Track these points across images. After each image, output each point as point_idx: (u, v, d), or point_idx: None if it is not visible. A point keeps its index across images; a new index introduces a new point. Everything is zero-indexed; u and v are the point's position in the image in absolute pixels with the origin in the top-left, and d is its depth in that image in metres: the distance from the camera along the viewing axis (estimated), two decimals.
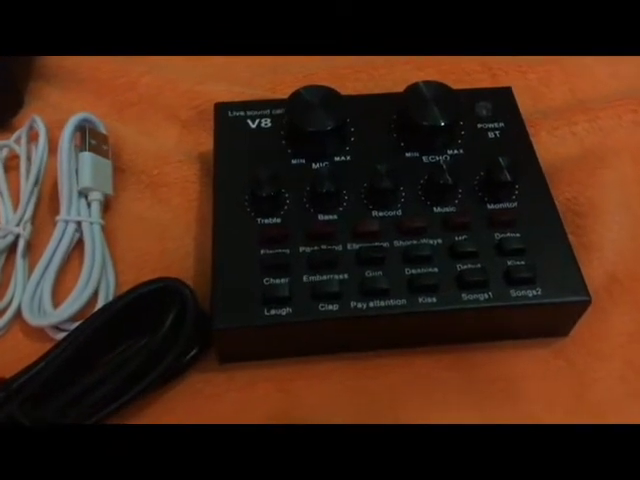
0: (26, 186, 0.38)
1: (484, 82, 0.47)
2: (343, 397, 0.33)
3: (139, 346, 0.31)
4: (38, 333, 0.35)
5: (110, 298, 0.35)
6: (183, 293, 0.31)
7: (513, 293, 0.32)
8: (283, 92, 0.47)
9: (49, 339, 0.34)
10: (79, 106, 0.44)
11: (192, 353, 0.32)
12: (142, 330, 0.32)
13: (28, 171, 0.39)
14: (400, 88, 0.42)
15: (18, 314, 0.35)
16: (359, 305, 0.32)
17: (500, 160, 0.35)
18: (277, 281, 0.32)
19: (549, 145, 0.42)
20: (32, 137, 0.41)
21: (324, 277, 0.33)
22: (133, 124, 0.44)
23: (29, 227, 0.37)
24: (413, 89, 0.38)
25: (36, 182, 0.37)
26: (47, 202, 0.40)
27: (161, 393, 0.33)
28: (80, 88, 0.46)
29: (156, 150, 0.42)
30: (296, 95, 0.37)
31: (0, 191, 0.38)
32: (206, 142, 0.44)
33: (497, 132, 0.39)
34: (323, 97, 0.37)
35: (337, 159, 0.38)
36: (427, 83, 0.37)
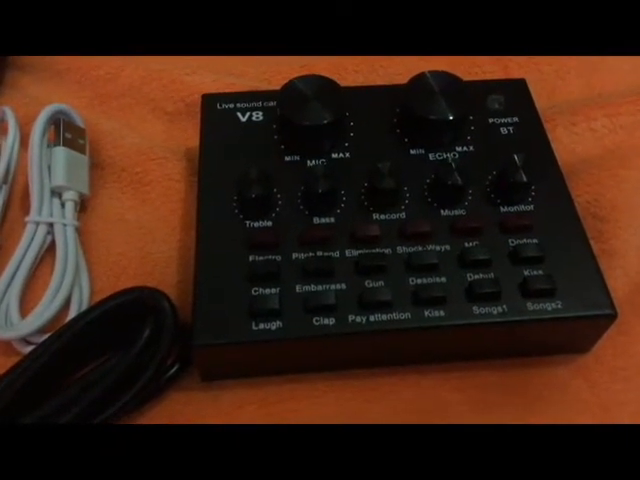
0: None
1: (495, 74, 0.44)
2: (339, 421, 0.30)
3: (111, 364, 0.27)
4: (3, 346, 0.31)
5: (83, 307, 0.32)
6: (161, 304, 0.28)
7: (530, 306, 0.29)
8: (278, 83, 0.43)
9: (16, 353, 0.31)
10: (57, 98, 0.40)
11: (171, 371, 0.29)
12: (116, 345, 0.28)
13: None
14: (403, 81, 0.38)
15: None
16: (358, 319, 0.28)
17: (516, 158, 0.32)
18: (267, 291, 0.29)
19: (566, 142, 0.39)
20: (2, 130, 0.37)
21: (319, 287, 0.29)
22: (115, 118, 0.41)
23: None
24: (418, 80, 0.34)
25: (5, 180, 0.34)
26: (17, 202, 0.37)
27: (136, 415, 0.29)
28: (59, 79, 0.43)
29: (139, 146, 0.39)
30: (289, 86, 0.34)
31: None
32: (194, 137, 0.40)
33: (510, 127, 0.35)
34: (319, 88, 0.34)
35: (334, 156, 0.34)
36: (434, 73, 0.34)
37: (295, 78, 0.34)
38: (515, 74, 0.44)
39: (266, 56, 0.43)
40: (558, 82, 0.43)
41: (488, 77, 0.43)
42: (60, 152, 0.35)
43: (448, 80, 0.34)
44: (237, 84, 0.41)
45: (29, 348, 0.31)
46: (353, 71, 0.43)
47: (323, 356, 0.30)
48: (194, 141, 0.41)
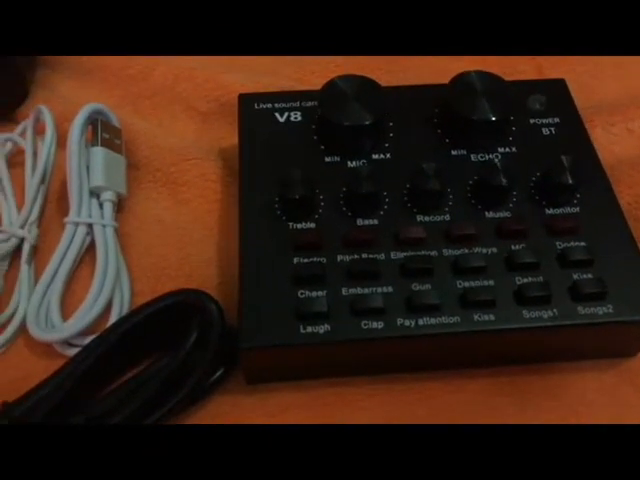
0: (31, 184, 0.35)
1: (529, 74, 0.44)
2: (387, 422, 0.30)
3: (158, 367, 0.27)
4: (45, 348, 0.31)
5: (125, 309, 0.32)
6: (208, 307, 0.27)
7: (581, 310, 0.28)
8: (311, 83, 0.44)
9: (57, 355, 0.31)
10: (88, 97, 0.40)
11: (217, 374, 0.29)
12: (163, 347, 0.28)
13: (34, 167, 0.36)
14: (437, 80, 0.38)
15: (23, 327, 0.31)
16: (407, 323, 0.28)
17: (563, 160, 0.31)
18: (313, 294, 0.29)
19: (605, 143, 0.39)
20: (38, 130, 0.37)
21: (365, 290, 0.29)
22: (148, 117, 0.40)
23: (35, 230, 0.33)
24: (461, 79, 0.34)
25: (43, 180, 0.34)
26: (55, 202, 0.36)
27: (183, 418, 0.29)
28: (89, 78, 0.42)
29: (173, 146, 0.39)
30: (330, 86, 0.34)
31: (4, 189, 0.34)
32: (228, 137, 0.40)
33: (552, 128, 0.35)
34: (360, 88, 0.33)
35: (375, 157, 0.34)
36: (478, 73, 0.34)
37: (336, 77, 0.34)
38: (549, 74, 0.43)
39: (298, 56, 0.43)
40: (593, 82, 0.43)
41: (522, 77, 0.43)
42: (98, 152, 0.34)
43: (491, 80, 0.34)
44: (271, 84, 0.41)
45: (71, 350, 0.31)
46: (386, 71, 0.43)
47: (369, 359, 0.30)
48: (228, 141, 0.41)
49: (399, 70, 0.43)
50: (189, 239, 0.36)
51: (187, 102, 0.41)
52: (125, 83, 0.42)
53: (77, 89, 0.42)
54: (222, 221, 0.36)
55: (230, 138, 0.41)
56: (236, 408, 0.30)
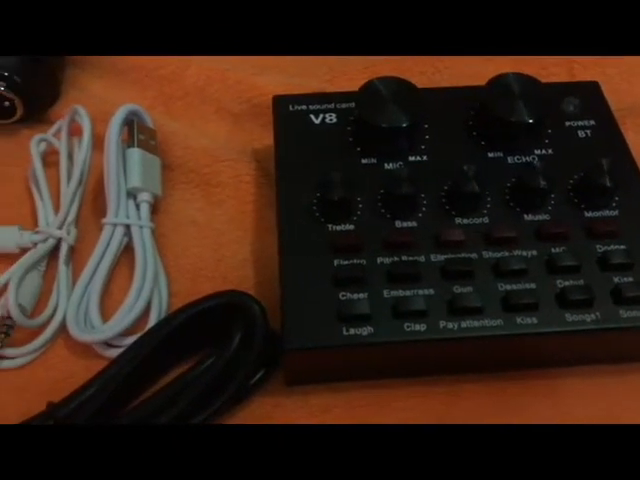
0: (68, 185, 0.35)
1: (560, 76, 0.43)
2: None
3: (203, 368, 0.27)
4: (84, 348, 0.31)
5: (163, 311, 0.32)
6: (252, 309, 0.27)
7: (624, 314, 0.28)
8: (343, 84, 0.44)
9: (96, 355, 0.31)
10: (119, 97, 0.40)
11: (259, 375, 0.29)
12: (204, 349, 0.28)
13: (68, 168, 0.36)
14: (467, 81, 0.38)
15: (61, 327, 0.31)
16: (449, 325, 0.28)
17: (602, 162, 0.31)
18: (355, 296, 0.29)
19: (637, 145, 0.39)
20: (73, 130, 0.37)
21: (407, 292, 0.29)
22: (180, 118, 0.40)
23: (74, 231, 0.33)
24: (499, 81, 0.34)
25: (80, 181, 0.34)
26: (89, 203, 0.37)
27: (226, 418, 0.29)
28: (120, 78, 0.42)
29: (206, 147, 0.39)
30: (367, 87, 0.34)
31: (40, 190, 0.35)
32: (260, 138, 0.40)
33: (587, 131, 0.35)
34: (397, 90, 0.33)
35: (412, 159, 0.34)
36: (515, 75, 0.34)
37: (374, 79, 0.34)
38: (580, 76, 0.43)
39: (329, 56, 0.43)
40: (624, 85, 0.43)
41: (553, 79, 0.43)
42: (135, 153, 0.34)
43: (527, 82, 0.34)
44: (302, 85, 0.41)
45: (110, 350, 0.31)
46: (418, 72, 0.43)
47: (410, 361, 0.30)
48: (260, 142, 0.41)
49: (431, 71, 0.43)
50: (224, 240, 0.36)
51: (219, 103, 0.41)
52: (157, 84, 0.42)
53: (108, 89, 0.42)
54: (256, 222, 0.37)
55: (262, 139, 0.41)
56: (278, 409, 0.30)
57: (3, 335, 0.30)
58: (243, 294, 0.28)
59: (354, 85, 0.42)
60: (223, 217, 0.37)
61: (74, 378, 0.30)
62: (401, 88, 0.34)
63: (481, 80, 0.38)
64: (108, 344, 0.31)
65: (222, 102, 0.41)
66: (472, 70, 0.42)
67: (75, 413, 0.26)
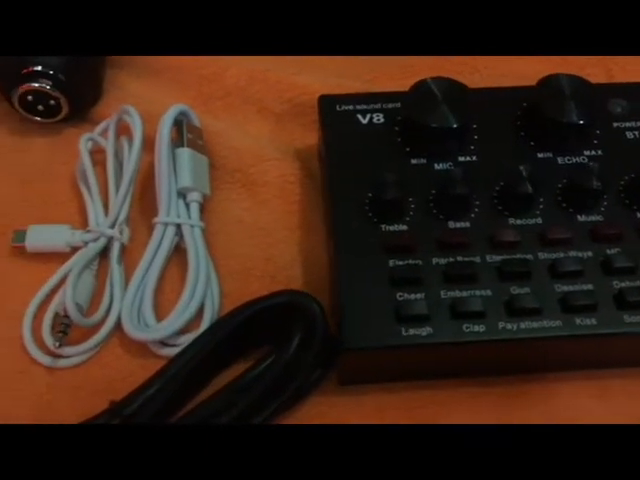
0: (118, 184, 0.35)
1: (598, 77, 0.43)
2: None
3: (262, 368, 0.27)
4: (138, 347, 0.32)
5: (216, 310, 0.32)
6: (312, 309, 0.27)
7: None
8: (382, 85, 0.44)
9: (151, 354, 0.31)
10: (160, 97, 0.40)
11: (316, 375, 0.29)
12: (262, 347, 0.28)
13: (115, 167, 0.36)
14: (506, 82, 0.38)
15: (116, 326, 0.32)
16: (508, 326, 0.28)
17: None
18: (412, 296, 0.29)
19: None
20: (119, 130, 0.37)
21: (464, 293, 0.29)
22: (221, 118, 0.40)
23: (126, 230, 0.33)
24: (549, 82, 0.34)
25: (132, 180, 0.34)
26: (135, 202, 0.36)
27: (282, 419, 0.29)
28: (160, 78, 0.42)
29: (250, 146, 0.39)
30: (418, 87, 0.34)
31: (90, 189, 0.35)
32: (301, 138, 0.40)
33: (636, 132, 0.35)
34: (448, 90, 0.33)
35: (461, 159, 0.34)
36: (566, 75, 0.34)
37: (426, 79, 0.34)
38: (618, 77, 0.43)
39: (368, 56, 0.43)
40: None
41: (591, 80, 0.42)
42: (185, 153, 0.34)
43: (577, 83, 0.34)
44: (343, 85, 0.41)
45: (165, 349, 0.31)
46: (456, 72, 0.42)
47: (467, 362, 0.30)
48: (302, 142, 0.41)
49: (469, 71, 0.43)
50: (271, 240, 0.36)
51: (261, 103, 0.41)
52: (196, 84, 0.42)
53: (147, 89, 0.42)
54: (303, 222, 0.37)
55: (303, 139, 0.41)
56: (332, 409, 0.30)
57: (61, 334, 0.30)
58: (303, 294, 0.28)
59: (394, 85, 0.43)
60: (269, 217, 0.37)
61: (130, 377, 0.30)
62: (451, 88, 0.34)
63: (518, 80, 0.39)
64: (163, 343, 0.31)
65: (264, 102, 0.41)
66: (510, 70, 0.42)
67: (140, 411, 0.26)
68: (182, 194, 0.34)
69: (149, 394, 0.26)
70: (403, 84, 0.42)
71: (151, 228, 0.35)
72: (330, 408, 0.30)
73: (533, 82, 0.36)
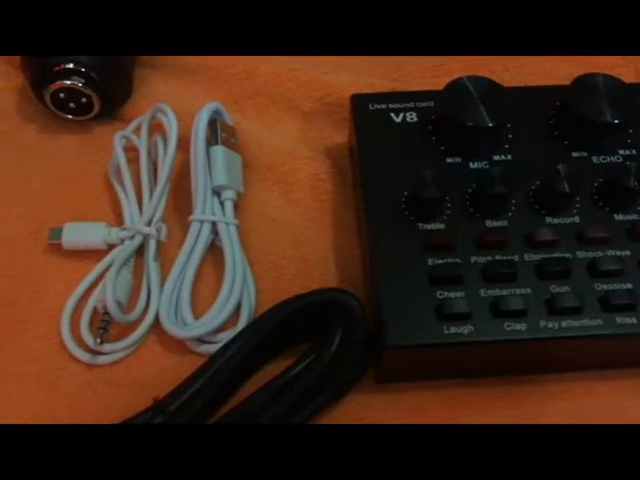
0: (149, 182, 0.35)
1: (628, 77, 0.43)
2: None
3: (303, 366, 0.27)
4: (176, 344, 0.32)
5: (253, 307, 0.32)
6: (354, 308, 0.28)
7: None
8: (411, 83, 0.44)
9: (189, 351, 0.31)
10: (190, 96, 0.41)
11: (356, 373, 0.29)
12: (301, 345, 0.28)
13: (148, 165, 0.36)
14: (536, 81, 0.38)
15: (153, 323, 0.32)
16: (550, 325, 0.28)
17: None
18: (452, 295, 0.29)
19: None
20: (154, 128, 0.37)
21: (504, 292, 0.29)
22: (251, 116, 0.40)
23: (164, 227, 0.33)
24: (584, 81, 0.34)
25: (168, 178, 0.34)
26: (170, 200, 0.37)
27: (320, 417, 0.29)
28: (190, 77, 0.42)
29: (281, 145, 0.39)
30: (454, 85, 0.34)
31: (125, 188, 0.35)
32: (331, 136, 0.40)
33: None
34: (484, 89, 0.33)
35: (496, 158, 0.34)
36: (600, 75, 0.34)
37: (462, 77, 0.34)
38: None
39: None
40: None
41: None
42: (220, 151, 0.35)
43: (612, 82, 0.34)
44: (373, 84, 0.41)
45: (203, 346, 0.31)
46: (488, 71, 0.42)
47: (506, 360, 0.30)
48: (331, 140, 0.41)
49: (500, 70, 0.43)
50: (304, 238, 0.36)
51: (291, 102, 0.41)
52: (226, 83, 0.42)
53: (178, 88, 0.42)
54: (334, 220, 0.37)
55: (333, 138, 0.41)
56: (369, 407, 0.30)
57: (102, 331, 0.30)
58: (344, 291, 0.28)
59: (423, 84, 0.43)
60: (302, 215, 0.37)
61: (168, 373, 0.30)
62: (488, 87, 0.34)
63: (547, 79, 0.39)
64: (200, 340, 0.31)
65: (294, 101, 0.41)
66: (541, 69, 0.42)
67: (184, 407, 0.26)
68: (217, 192, 0.35)
69: (193, 391, 0.26)
70: (433, 83, 0.43)
71: (183, 225, 0.35)
72: (367, 407, 0.30)
73: (562, 81, 0.36)
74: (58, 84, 0.37)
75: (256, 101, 0.42)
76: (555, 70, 0.42)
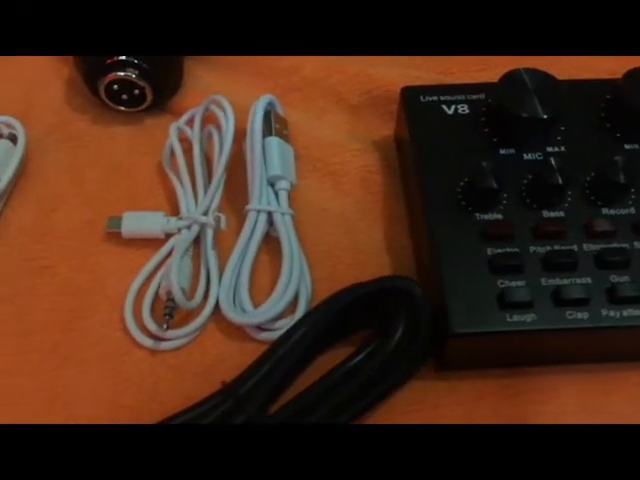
0: (202, 172, 0.35)
1: None
2: (579, 415, 0.30)
3: (366, 354, 0.28)
4: (236, 331, 0.32)
5: (310, 295, 0.32)
6: (418, 296, 0.28)
7: None
8: (458, 77, 0.44)
9: (248, 338, 0.32)
10: (238, 89, 0.41)
11: (418, 361, 0.29)
12: (363, 332, 0.29)
13: (201, 156, 0.36)
14: (583, 75, 0.38)
15: (214, 310, 0.32)
16: (611, 313, 0.28)
17: None
18: (513, 284, 0.29)
19: None
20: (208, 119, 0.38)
21: (565, 281, 0.29)
22: (299, 109, 0.41)
23: (223, 217, 0.34)
24: (637, 75, 0.34)
25: (225, 169, 0.35)
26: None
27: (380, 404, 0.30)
28: (237, 69, 0.43)
29: (329, 137, 0.39)
30: (509, 77, 0.34)
31: (180, 178, 0.35)
32: (378, 129, 0.41)
33: None
34: (539, 81, 0.34)
35: (550, 150, 0.34)
36: None
37: (519, 69, 0.34)
38: None
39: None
40: None
41: None
42: (274, 142, 0.35)
43: None
44: (420, 77, 0.41)
45: (263, 334, 0.32)
46: (532, 64, 0.43)
47: (566, 349, 0.30)
48: (378, 133, 0.41)
49: (547, 63, 0.43)
50: (355, 229, 0.36)
51: (339, 95, 0.41)
52: (274, 75, 0.42)
53: (225, 81, 0.42)
54: (385, 211, 0.37)
55: (380, 130, 0.41)
56: (428, 395, 0.31)
57: (168, 317, 0.30)
58: (408, 279, 0.29)
59: (469, 77, 0.43)
60: (353, 206, 0.37)
61: (230, 359, 0.31)
62: (542, 79, 0.34)
63: (594, 74, 0.39)
64: (260, 327, 0.32)
65: (342, 94, 0.41)
66: (575, 66, 0.42)
67: (252, 392, 0.26)
68: (271, 183, 0.35)
69: (260, 375, 0.27)
70: (478, 76, 0.43)
71: (233, 215, 0.36)
72: (426, 394, 0.30)
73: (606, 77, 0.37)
74: (113, 76, 0.37)
75: (303, 93, 0.42)
76: (597, 68, 0.42)
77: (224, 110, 0.35)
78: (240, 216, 0.36)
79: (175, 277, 0.30)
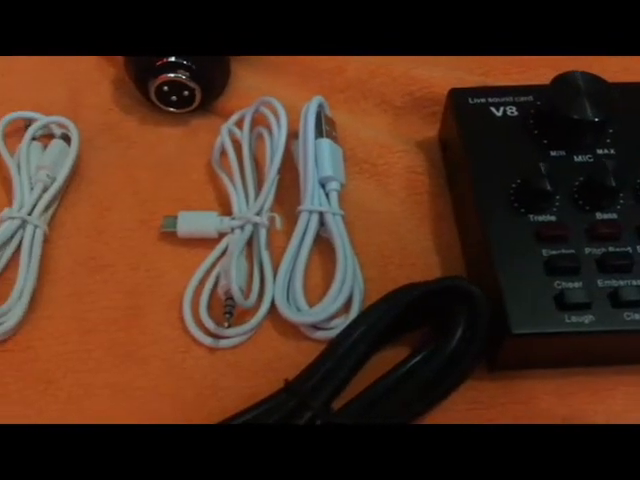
0: (252, 172, 0.36)
1: None
2: (632, 414, 0.30)
3: (424, 355, 0.28)
4: (291, 330, 0.33)
5: (362, 295, 0.33)
6: (478, 297, 0.28)
7: None
8: (498, 79, 0.44)
9: (304, 337, 0.32)
10: (282, 90, 0.41)
11: (477, 361, 0.29)
12: (419, 330, 0.29)
13: (250, 157, 0.37)
14: (620, 78, 0.38)
15: (269, 309, 0.33)
16: None
17: None
18: (570, 285, 0.30)
19: None
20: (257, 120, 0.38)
21: (621, 282, 0.30)
22: (343, 110, 0.41)
23: (278, 218, 0.34)
24: None
25: (279, 169, 0.35)
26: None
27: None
28: (279, 71, 0.43)
29: (373, 138, 0.40)
30: (561, 80, 0.34)
31: (232, 178, 0.36)
32: (422, 130, 0.41)
33: None
34: (590, 83, 0.34)
35: (600, 152, 0.34)
36: None
37: (572, 71, 0.34)
38: None
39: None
40: None
41: None
42: (325, 144, 0.35)
43: None
44: (462, 79, 0.41)
45: (319, 333, 0.32)
46: (574, 67, 0.43)
47: (622, 350, 0.30)
48: (422, 134, 0.42)
49: (586, 65, 0.43)
50: (403, 229, 0.37)
51: (383, 96, 0.41)
52: (317, 77, 0.42)
53: (269, 82, 0.42)
54: (432, 212, 0.37)
55: (423, 131, 0.41)
56: (483, 394, 0.31)
57: (228, 315, 0.31)
58: (466, 280, 0.29)
59: (510, 79, 0.44)
60: (399, 207, 0.37)
61: (287, 358, 0.32)
62: (593, 82, 0.34)
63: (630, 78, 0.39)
64: (315, 327, 0.32)
65: (385, 95, 0.41)
66: (605, 70, 0.42)
67: (316, 390, 0.27)
68: (321, 183, 0.35)
69: (322, 372, 0.27)
70: (519, 78, 0.43)
71: (284, 215, 0.36)
72: (481, 393, 0.31)
73: None
74: (164, 77, 0.38)
75: (347, 95, 0.42)
76: (620, 70, 0.42)
77: (276, 111, 0.36)
78: (287, 216, 0.36)
79: (234, 276, 0.30)
